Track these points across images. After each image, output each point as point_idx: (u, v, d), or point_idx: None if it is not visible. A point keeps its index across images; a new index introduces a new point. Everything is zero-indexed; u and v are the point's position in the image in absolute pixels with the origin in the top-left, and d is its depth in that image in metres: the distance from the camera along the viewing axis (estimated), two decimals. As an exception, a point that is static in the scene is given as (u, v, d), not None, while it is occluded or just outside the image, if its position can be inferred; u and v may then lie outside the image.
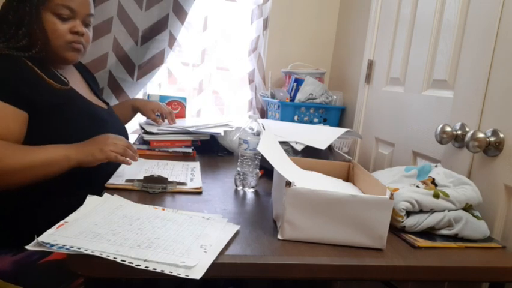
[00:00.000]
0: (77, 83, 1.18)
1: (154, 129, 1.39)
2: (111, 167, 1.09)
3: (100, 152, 0.97)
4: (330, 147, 1.32)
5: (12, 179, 0.92)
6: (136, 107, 1.47)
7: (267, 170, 1.22)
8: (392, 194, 0.76)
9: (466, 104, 1.06)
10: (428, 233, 0.87)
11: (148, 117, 1.47)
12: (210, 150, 1.54)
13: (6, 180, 0.92)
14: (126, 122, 1.48)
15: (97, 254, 0.62)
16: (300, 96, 1.74)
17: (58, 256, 0.91)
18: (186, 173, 1.16)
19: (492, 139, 0.93)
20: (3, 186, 0.93)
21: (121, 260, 0.62)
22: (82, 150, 0.97)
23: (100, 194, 0.89)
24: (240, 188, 1.09)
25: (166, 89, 1.91)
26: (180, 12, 1.72)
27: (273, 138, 1.06)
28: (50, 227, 0.69)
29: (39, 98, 0.99)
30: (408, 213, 0.87)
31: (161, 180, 1.00)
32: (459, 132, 1.03)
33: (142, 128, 1.44)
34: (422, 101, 1.27)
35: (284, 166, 0.94)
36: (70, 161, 0.95)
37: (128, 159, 1.01)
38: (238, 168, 1.08)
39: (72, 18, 1.07)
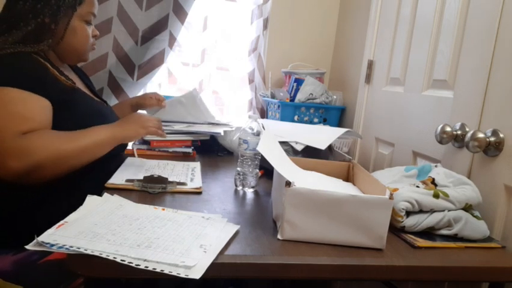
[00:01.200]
0: (77, 82, 1.19)
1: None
2: (111, 166, 1.09)
3: (142, 128, 1.10)
4: (330, 147, 1.32)
5: (68, 164, 0.97)
6: (134, 103, 1.48)
7: (267, 170, 1.22)
8: (391, 194, 0.76)
9: (466, 104, 1.06)
10: (428, 233, 0.87)
11: (149, 106, 1.47)
12: (210, 150, 1.54)
13: (63, 166, 0.96)
14: None
15: (96, 254, 0.62)
16: (300, 96, 1.74)
17: (58, 255, 0.91)
18: (186, 173, 1.16)
19: (492, 139, 0.93)
20: (58, 173, 0.97)
21: (121, 260, 0.62)
22: (126, 129, 1.08)
23: (100, 194, 0.89)
24: (240, 188, 1.09)
25: (166, 89, 1.91)
26: (180, 12, 1.72)
27: (273, 138, 1.06)
28: (50, 226, 0.69)
29: (48, 94, 1.01)
30: (408, 213, 0.87)
31: (161, 180, 1.00)
32: (459, 132, 1.03)
33: (142, 128, 1.44)
34: (422, 101, 1.27)
35: (284, 166, 0.94)
36: (116, 139, 1.05)
37: (163, 133, 1.18)
38: (238, 168, 1.08)
39: (92, 23, 1.15)
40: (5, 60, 0.98)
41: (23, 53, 1.01)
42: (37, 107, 0.97)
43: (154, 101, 1.47)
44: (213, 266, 0.65)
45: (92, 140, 1.00)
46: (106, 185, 0.98)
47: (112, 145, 1.04)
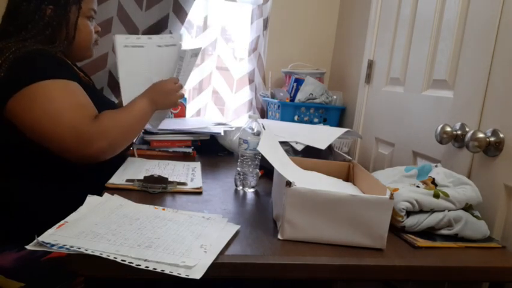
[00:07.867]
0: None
1: (154, 129, 1.39)
2: (111, 166, 1.09)
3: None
4: (330, 147, 1.32)
5: (133, 136, 1.08)
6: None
7: (267, 170, 1.22)
8: (392, 194, 0.76)
9: (466, 104, 1.06)
10: (428, 233, 0.87)
11: None
12: (210, 150, 1.54)
13: (129, 138, 1.06)
14: None
15: (97, 254, 0.62)
16: (300, 96, 1.74)
17: (61, 253, 0.91)
18: (187, 173, 1.16)
19: (492, 139, 0.93)
20: (126, 145, 1.06)
21: (121, 260, 0.62)
22: (162, 105, 1.16)
23: (100, 194, 0.89)
24: (240, 188, 1.09)
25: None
26: (180, 12, 1.72)
27: (273, 138, 1.06)
28: (50, 225, 0.69)
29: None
30: (408, 213, 0.87)
31: (162, 180, 1.00)
32: (459, 132, 1.03)
33: (142, 127, 1.44)
34: (422, 101, 1.27)
35: (284, 166, 0.94)
36: (152, 112, 1.13)
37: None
38: (238, 168, 1.08)
39: (94, 18, 1.17)
40: (36, 56, 0.98)
41: (46, 50, 1.01)
42: (83, 92, 1.01)
43: None
44: (213, 266, 0.65)
45: (141, 112, 1.08)
46: (106, 185, 0.98)
47: (150, 117, 1.14)
